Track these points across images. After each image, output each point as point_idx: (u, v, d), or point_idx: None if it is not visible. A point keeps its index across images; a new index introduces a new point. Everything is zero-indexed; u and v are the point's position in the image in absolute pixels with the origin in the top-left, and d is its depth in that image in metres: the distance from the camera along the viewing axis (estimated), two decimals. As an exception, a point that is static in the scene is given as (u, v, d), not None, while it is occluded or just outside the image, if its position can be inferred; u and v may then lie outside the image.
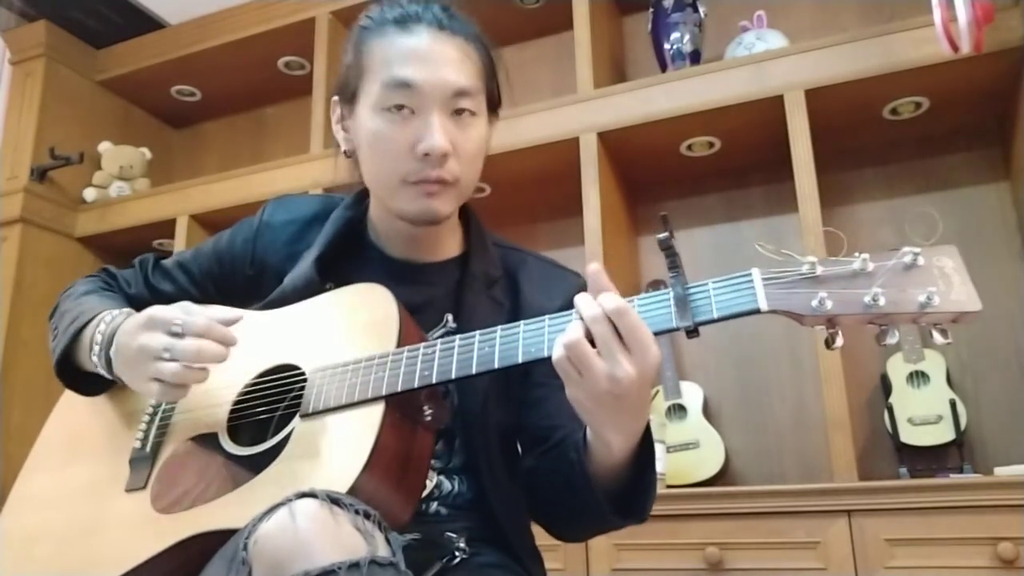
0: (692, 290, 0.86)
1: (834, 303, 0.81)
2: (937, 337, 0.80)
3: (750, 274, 0.84)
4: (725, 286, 0.85)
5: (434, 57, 1.05)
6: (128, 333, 1.02)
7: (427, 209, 1.06)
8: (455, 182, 1.06)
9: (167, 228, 2.95)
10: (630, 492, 0.97)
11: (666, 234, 0.86)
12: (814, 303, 0.81)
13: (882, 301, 0.80)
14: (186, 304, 1.01)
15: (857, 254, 0.83)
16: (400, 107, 1.04)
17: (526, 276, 1.18)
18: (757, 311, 0.82)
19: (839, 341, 0.83)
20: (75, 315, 1.14)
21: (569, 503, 1.00)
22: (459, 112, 1.06)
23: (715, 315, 0.84)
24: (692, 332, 0.85)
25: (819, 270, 0.83)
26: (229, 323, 1.00)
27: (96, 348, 1.07)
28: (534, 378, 1.12)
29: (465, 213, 1.23)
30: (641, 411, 0.90)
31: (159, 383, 0.97)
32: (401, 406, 0.93)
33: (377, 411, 0.91)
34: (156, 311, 1.00)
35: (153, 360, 0.97)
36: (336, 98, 1.16)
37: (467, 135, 1.06)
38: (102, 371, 1.08)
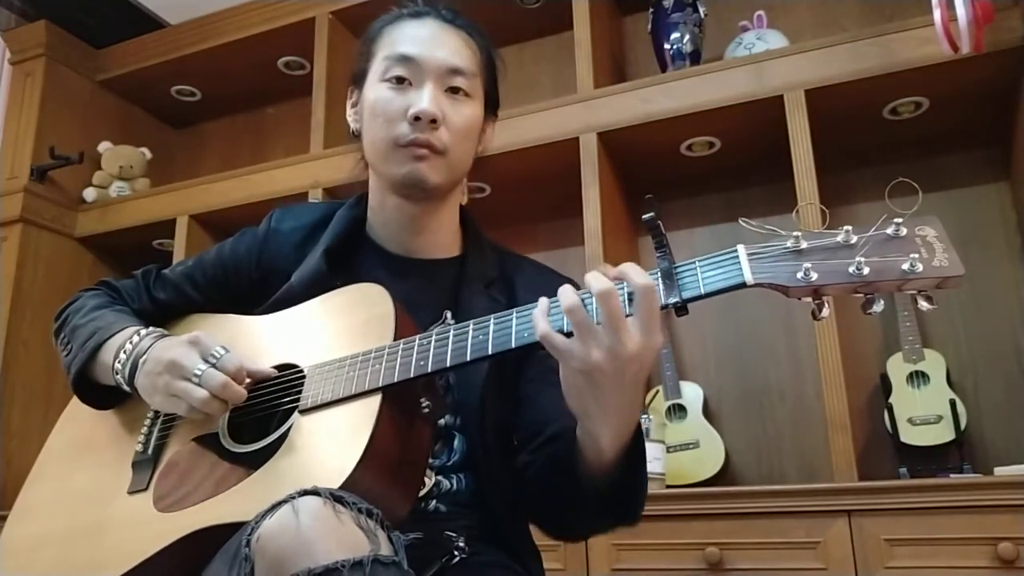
0: (679, 268, 0.87)
1: (819, 274, 0.82)
2: (923, 303, 0.82)
3: (735, 250, 0.86)
4: (711, 262, 0.86)
5: (435, 40, 1.15)
6: (165, 348, 1.05)
7: (415, 172, 1.11)
8: (444, 151, 1.12)
9: (167, 228, 2.95)
10: (620, 493, 0.98)
11: (651, 214, 0.88)
12: (799, 275, 0.82)
13: (866, 270, 0.81)
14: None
15: (841, 227, 0.84)
16: (399, 78, 1.12)
17: (521, 279, 1.21)
18: (743, 285, 0.84)
19: (825, 311, 0.84)
20: (92, 330, 1.15)
21: (560, 500, 1.02)
22: (454, 89, 1.14)
23: (702, 291, 0.85)
24: (681, 309, 0.86)
25: (803, 243, 0.84)
26: (256, 376, 1.05)
27: (123, 356, 1.09)
28: (528, 374, 1.14)
29: (463, 216, 1.26)
30: (631, 406, 0.90)
31: (184, 403, 1.01)
32: (398, 398, 0.94)
33: (374, 403, 0.92)
34: (202, 335, 1.05)
35: (181, 378, 1.01)
36: (351, 87, 1.23)
37: (459, 111, 1.14)
38: (120, 380, 1.10)
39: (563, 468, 0.98)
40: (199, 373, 1.00)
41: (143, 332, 1.12)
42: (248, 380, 1.04)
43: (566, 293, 0.86)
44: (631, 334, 0.84)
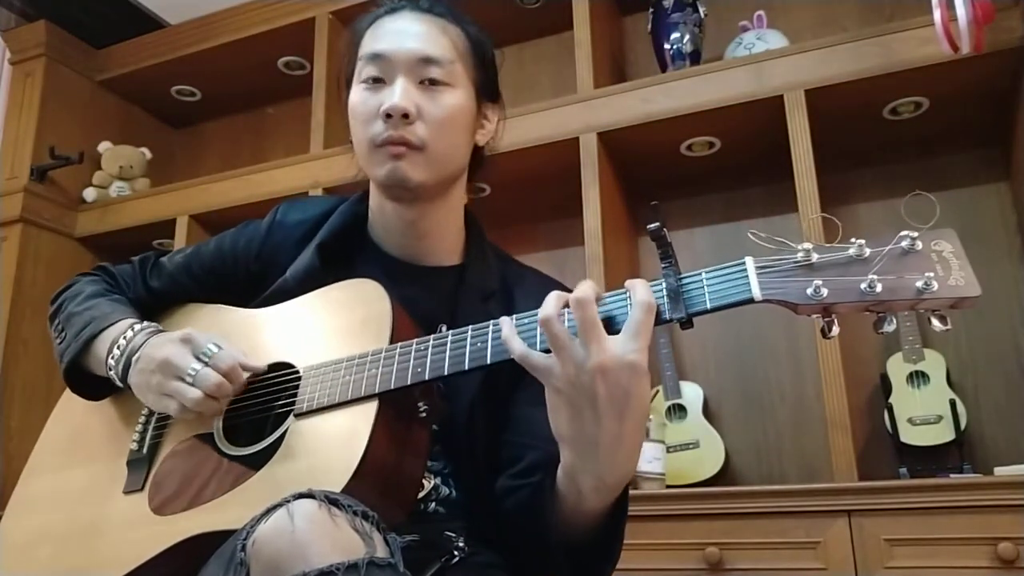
0: (685, 281, 0.84)
1: (829, 291, 0.78)
2: (936, 323, 0.78)
3: (744, 263, 0.82)
4: (718, 276, 0.83)
5: (406, 31, 1.11)
6: (157, 346, 1.04)
7: (394, 171, 1.07)
8: (422, 146, 1.08)
9: (167, 228, 2.95)
10: (591, 551, 0.94)
11: (657, 224, 0.84)
12: (809, 291, 0.79)
13: (879, 288, 0.77)
14: (219, 338, 1.04)
15: (853, 240, 0.80)
16: (374, 78, 1.09)
17: (522, 291, 1.18)
18: (751, 301, 0.80)
19: (835, 330, 0.80)
20: (88, 319, 1.14)
21: (530, 536, 0.97)
22: (430, 80, 1.09)
23: (708, 306, 0.82)
24: (686, 323, 0.83)
25: (814, 257, 0.81)
26: (250, 370, 1.04)
27: (117, 352, 1.08)
28: (519, 396, 1.10)
29: (468, 221, 1.23)
30: (614, 446, 0.83)
31: (175, 402, 1.00)
32: (395, 403, 0.93)
33: (371, 409, 0.91)
34: (194, 332, 1.03)
35: (175, 378, 1.00)
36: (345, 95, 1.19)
37: (435, 102, 1.09)
38: (114, 376, 1.09)
39: (541, 502, 0.94)
40: (193, 373, 0.99)
41: (137, 327, 1.10)
42: (245, 375, 1.03)
43: (544, 304, 0.84)
44: (605, 346, 0.80)
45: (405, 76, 1.08)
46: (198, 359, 1.01)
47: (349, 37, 1.18)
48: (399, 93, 1.06)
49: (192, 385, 0.99)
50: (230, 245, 1.22)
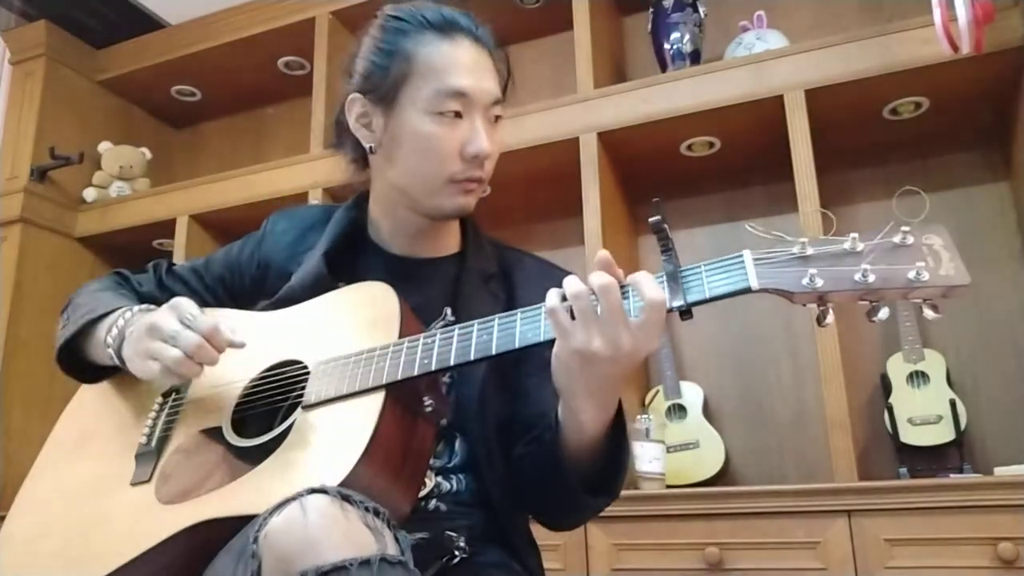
0: (684, 272, 0.88)
1: (824, 280, 0.82)
2: (928, 312, 0.82)
3: (741, 255, 0.86)
4: (717, 267, 0.87)
5: (479, 68, 1.13)
6: (148, 315, 1.06)
7: (463, 205, 1.14)
8: (486, 180, 1.16)
9: (167, 228, 2.95)
10: (601, 471, 1.00)
11: (658, 217, 0.87)
12: (804, 281, 0.83)
13: (871, 277, 0.81)
14: (200, 307, 1.06)
15: (848, 234, 0.84)
16: (454, 112, 1.10)
17: (521, 274, 1.23)
18: (748, 290, 0.84)
19: (830, 318, 0.84)
20: (90, 307, 1.17)
21: (545, 485, 1.04)
22: (493, 118, 1.14)
23: (707, 295, 0.85)
24: (685, 313, 0.87)
25: (809, 250, 0.84)
26: (232, 341, 1.04)
27: (115, 331, 1.10)
28: (526, 368, 1.15)
29: None
30: (617, 384, 0.93)
31: (158, 364, 1.01)
32: (401, 396, 0.94)
33: (377, 400, 0.92)
34: (180, 300, 1.05)
35: (158, 340, 1.02)
36: (358, 95, 1.17)
37: (495, 140, 1.15)
38: (111, 352, 1.10)
39: (548, 450, 1.00)
40: (175, 333, 1.00)
41: (136, 308, 1.13)
42: (227, 339, 1.03)
43: (572, 280, 0.88)
44: (631, 333, 0.86)
45: (482, 116, 1.12)
46: (181, 322, 1.02)
47: (388, 45, 1.14)
48: (486, 137, 1.11)
49: (174, 346, 1.00)
50: (236, 255, 1.27)
